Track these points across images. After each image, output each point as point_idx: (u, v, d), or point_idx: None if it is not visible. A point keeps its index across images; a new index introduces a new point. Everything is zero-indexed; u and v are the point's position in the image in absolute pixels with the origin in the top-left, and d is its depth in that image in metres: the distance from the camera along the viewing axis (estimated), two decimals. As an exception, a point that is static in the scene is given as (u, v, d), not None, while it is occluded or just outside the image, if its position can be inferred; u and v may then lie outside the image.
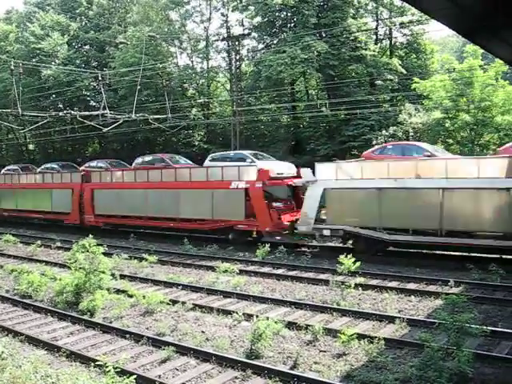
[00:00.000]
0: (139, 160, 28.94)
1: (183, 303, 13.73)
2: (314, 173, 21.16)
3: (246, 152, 25.82)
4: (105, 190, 28.89)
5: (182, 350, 10.37)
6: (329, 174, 20.66)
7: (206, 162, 26.25)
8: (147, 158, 29.05)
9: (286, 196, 24.11)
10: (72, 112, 27.50)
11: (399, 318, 11.91)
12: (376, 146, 25.01)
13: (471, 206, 17.72)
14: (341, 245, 20.84)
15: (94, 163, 33.72)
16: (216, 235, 24.13)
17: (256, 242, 21.92)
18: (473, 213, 17.60)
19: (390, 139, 31.60)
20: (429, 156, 19.83)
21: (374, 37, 40.32)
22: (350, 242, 19.85)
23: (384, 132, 31.91)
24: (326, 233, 20.57)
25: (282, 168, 23.91)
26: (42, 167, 35.36)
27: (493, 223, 17.28)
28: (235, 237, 23.14)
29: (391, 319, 12.02)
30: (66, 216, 30.77)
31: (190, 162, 28.52)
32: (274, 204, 22.85)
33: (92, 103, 49.69)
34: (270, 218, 21.88)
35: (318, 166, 21.27)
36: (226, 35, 41.74)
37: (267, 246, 20.35)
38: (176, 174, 25.68)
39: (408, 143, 24.24)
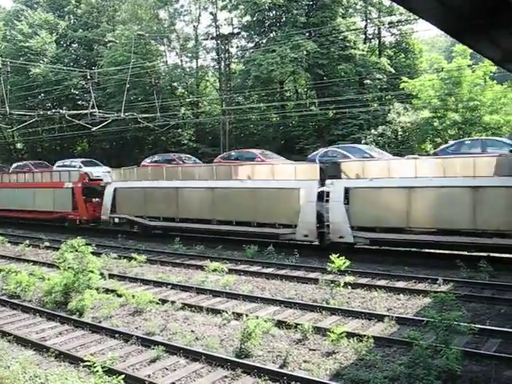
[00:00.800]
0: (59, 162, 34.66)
1: (172, 302, 13.72)
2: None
3: (78, 160, 33.76)
4: None
5: (172, 350, 10.35)
6: (118, 177, 27.71)
7: (54, 167, 33.69)
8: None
9: None
10: (60, 111, 27.97)
11: (388, 316, 11.98)
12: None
13: (230, 201, 22.36)
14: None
15: None
16: (57, 223, 30.86)
17: (93, 228, 29.52)
18: (231, 206, 22.26)
19: (378, 138, 31.64)
20: None
21: (363, 36, 40.44)
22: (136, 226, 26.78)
23: (373, 131, 31.94)
24: (117, 220, 27.38)
25: (100, 172, 30.26)
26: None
27: (244, 214, 21.91)
28: (70, 224, 29.81)
29: (380, 318, 12.09)
30: None
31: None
32: (94, 200, 29.15)
33: (80, 102, 49.27)
34: (87, 210, 28.91)
35: (112, 172, 28.51)
36: (215, 34, 41.68)
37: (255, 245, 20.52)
38: (34, 176, 32.70)
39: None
